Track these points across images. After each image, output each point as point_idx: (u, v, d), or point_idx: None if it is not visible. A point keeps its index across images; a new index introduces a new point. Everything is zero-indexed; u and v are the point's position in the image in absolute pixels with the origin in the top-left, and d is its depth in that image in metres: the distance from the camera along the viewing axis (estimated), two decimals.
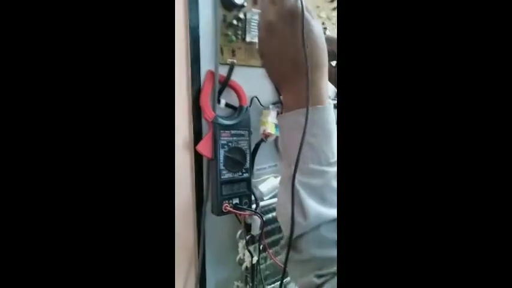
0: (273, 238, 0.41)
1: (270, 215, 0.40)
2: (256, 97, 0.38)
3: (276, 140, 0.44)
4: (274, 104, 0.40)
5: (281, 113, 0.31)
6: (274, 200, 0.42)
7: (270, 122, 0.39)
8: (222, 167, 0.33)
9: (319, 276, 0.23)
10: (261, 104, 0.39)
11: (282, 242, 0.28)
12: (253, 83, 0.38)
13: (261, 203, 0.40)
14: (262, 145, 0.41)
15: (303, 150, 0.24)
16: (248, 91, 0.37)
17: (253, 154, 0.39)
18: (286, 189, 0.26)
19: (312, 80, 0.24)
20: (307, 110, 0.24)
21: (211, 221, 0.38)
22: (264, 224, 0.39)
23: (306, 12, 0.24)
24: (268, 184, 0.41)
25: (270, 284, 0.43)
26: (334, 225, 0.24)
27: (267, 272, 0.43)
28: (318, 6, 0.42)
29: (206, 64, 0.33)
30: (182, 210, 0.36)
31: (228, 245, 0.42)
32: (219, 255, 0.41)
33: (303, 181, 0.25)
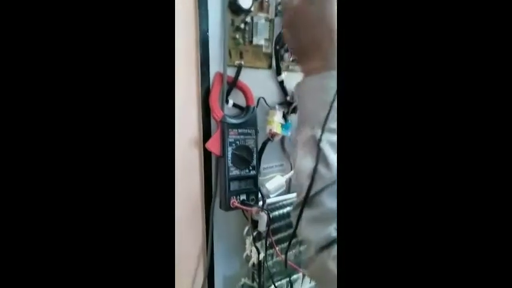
0: (279, 236, 0.42)
1: (276, 213, 0.41)
2: (263, 98, 0.40)
3: (282, 140, 0.45)
4: (280, 104, 0.42)
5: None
6: (281, 198, 0.43)
7: (276, 122, 0.40)
8: (230, 164, 0.34)
9: None
10: (267, 104, 0.40)
11: (297, 200, 0.28)
12: (260, 84, 0.39)
13: (268, 201, 0.41)
14: (269, 145, 0.42)
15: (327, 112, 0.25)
16: (254, 92, 0.39)
17: (260, 152, 0.40)
18: (309, 150, 0.26)
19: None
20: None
21: (220, 217, 0.39)
22: (271, 221, 0.40)
23: None
24: (274, 182, 0.42)
25: (277, 281, 0.44)
26: None
27: (274, 270, 0.44)
28: None
29: (215, 66, 0.35)
30: (192, 206, 0.38)
31: (236, 242, 0.43)
32: (227, 251, 0.42)
33: (327, 139, 0.25)
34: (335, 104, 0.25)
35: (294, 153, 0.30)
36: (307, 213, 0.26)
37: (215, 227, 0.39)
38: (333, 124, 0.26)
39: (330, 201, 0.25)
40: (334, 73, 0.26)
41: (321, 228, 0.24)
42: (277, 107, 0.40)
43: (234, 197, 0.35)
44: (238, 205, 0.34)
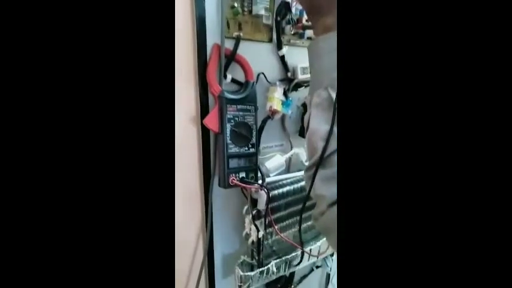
0: (278, 214, 0.42)
1: (275, 192, 0.41)
2: (263, 73, 0.38)
3: (282, 118, 0.44)
4: (281, 80, 0.40)
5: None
6: (280, 177, 0.42)
7: (277, 99, 0.38)
8: (228, 141, 0.33)
9: None
10: (267, 81, 0.39)
11: (310, 161, 0.28)
12: (260, 58, 0.38)
13: (267, 180, 0.40)
14: (269, 124, 0.41)
15: None
16: (254, 67, 0.37)
17: (260, 130, 0.39)
18: (323, 110, 0.26)
19: None
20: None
21: (219, 195, 0.39)
22: (270, 200, 0.39)
23: None
24: (274, 161, 0.41)
25: (276, 259, 0.44)
26: None
27: (273, 248, 0.44)
28: None
29: (212, 38, 0.33)
30: (190, 184, 0.37)
31: (235, 220, 0.43)
32: (226, 229, 0.42)
33: None
34: None
35: (306, 115, 0.29)
36: (322, 172, 0.26)
37: (214, 206, 0.39)
38: None
39: None
40: None
41: (333, 185, 0.24)
42: (277, 83, 0.39)
43: (233, 174, 0.34)
44: (238, 182, 0.34)
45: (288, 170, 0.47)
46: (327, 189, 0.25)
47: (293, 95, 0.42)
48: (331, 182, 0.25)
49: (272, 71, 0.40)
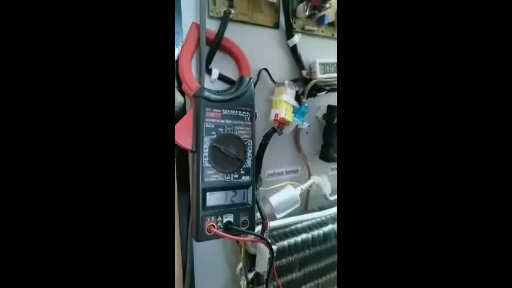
0: (289, 277, 0.28)
1: (285, 242, 0.27)
2: (266, 69, 0.27)
3: (296, 133, 0.32)
4: (293, 81, 0.29)
5: None
6: (293, 219, 0.29)
7: (286, 104, 0.27)
8: (206, 164, 0.21)
9: None
10: (272, 80, 0.28)
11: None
12: (261, 49, 0.28)
13: (272, 224, 0.27)
14: (277, 140, 0.30)
15: None
16: (254, 60, 0.26)
17: (261, 149, 0.27)
18: None
19: None
20: None
21: (203, 246, 0.26)
22: (277, 255, 0.26)
23: None
24: (283, 195, 0.28)
25: None
26: None
27: None
28: None
29: (190, 16, 0.23)
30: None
31: (227, 281, 0.29)
32: None
33: None
34: None
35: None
36: None
37: (197, 260, 0.26)
38: None
39: None
40: None
41: None
42: (286, 82, 0.28)
43: (213, 217, 0.21)
44: (218, 231, 0.21)
45: (305, 208, 0.34)
46: None
47: (310, 101, 0.30)
48: None
49: (279, 67, 0.29)
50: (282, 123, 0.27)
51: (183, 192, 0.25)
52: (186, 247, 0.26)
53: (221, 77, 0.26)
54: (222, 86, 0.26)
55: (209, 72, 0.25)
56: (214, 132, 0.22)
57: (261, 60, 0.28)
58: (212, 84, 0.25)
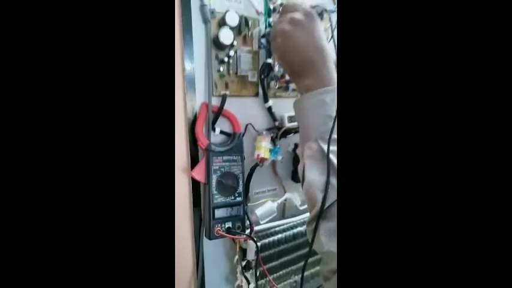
0: (270, 265, 0.41)
1: (267, 240, 0.40)
2: (251, 124, 0.41)
3: (273, 164, 0.45)
4: (268, 129, 0.42)
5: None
6: (272, 224, 0.42)
7: (264, 147, 0.40)
8: (214, 192, 0.34)
9: None
10: (255, 130, 0.41)
11: (311, 214, 0.28)
12: (248, 111, 0.41)
13: (257, 228, 0.40)
14: (261, 170, 0.42)
15: (329, 124, 0.27)
16: (243, 118, 0.40)
17: (248, 178, 0.40)
18: (316, 162, 0.28)
19: (328, 64, 0.29)
20: (336, 90, 0.28)
21: (211, 244, 0.39)
22: (261, 249, 0.39)
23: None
24: (265, 208, 0.41)
25: None
26: None
27: None
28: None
29: (201, 97, 0.37)
30: (181, 233, 0.38)
31: (227, 269, 0.42)
32: (218, 279, 0.41)
33: (332, 149, 0.27)
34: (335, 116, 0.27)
35: (300, 165, 0.31)
36: (325, 226, 0.26)
37: (206, 255, 0.38)
38: (335, 135, 0.27)
39: None
40: (329, 89, 0.28)
41: None
42: (264, 132, 0.41)
43: (219, 224, 0.34)
44: (223, 233, 0.34)
45: (282, 215, 0.46)
46: (335, 245, 0.25)
47: (282, 141, 0.44)
48: None
49: (260, 121, 0.42)
50: (262, 160, 0.41)
51: (195, 207, 0.38)
52: (198, 246, 0.38)
53: (221, 132, 0.39)
54: (222, 137, 0.40)
55: (214, 129, 0.38)
56: (218, 172, 0.35)
57: (247, 118, 0.40)
58: (216, 136, 0.39)
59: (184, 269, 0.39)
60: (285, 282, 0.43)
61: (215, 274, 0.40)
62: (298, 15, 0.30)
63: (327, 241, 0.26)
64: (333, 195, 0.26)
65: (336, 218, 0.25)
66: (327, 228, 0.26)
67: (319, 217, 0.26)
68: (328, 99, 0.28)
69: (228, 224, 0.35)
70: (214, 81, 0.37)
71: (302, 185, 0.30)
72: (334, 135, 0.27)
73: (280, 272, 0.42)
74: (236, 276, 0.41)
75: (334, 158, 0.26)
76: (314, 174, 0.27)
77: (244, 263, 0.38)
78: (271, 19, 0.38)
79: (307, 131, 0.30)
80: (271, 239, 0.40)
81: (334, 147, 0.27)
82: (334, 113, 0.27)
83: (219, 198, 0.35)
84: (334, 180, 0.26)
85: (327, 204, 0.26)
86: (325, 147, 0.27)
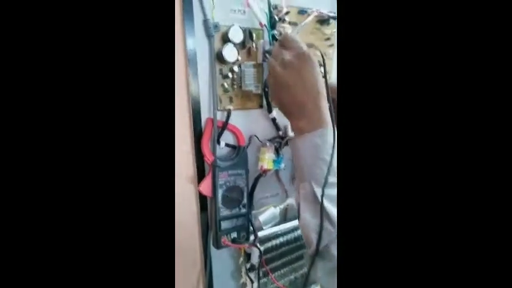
0: (272, 265, 0.44)
1: (269, 244, 0.43)
2: (255, 136, 0.42)
3: (276, 171, 0.47)
4: (270, 140, 0.43)
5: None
6: (274, 229, 0.45)
7: (267, 159, 0.42)
8: (220, 205, 0.36)
9: None
10: (260, 141, 0.42)
11: (310, 251, 0.30)
12: (252, 122, 0.41)
13: (261, 233, 0.43)
14: (264, 177, 0.44)
15: (321, 167, 0.27)
16: (247, 129, 0.41)
17: (252, 188, 0.42)
18: (309, 203, 0.29)
19: (320, 105, 0.29)
20: (335, 130, 0.29)
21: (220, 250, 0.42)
22: (264, 252, 0.42)
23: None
24: (268, 214, 0.44)
25: None
26: None
27: None
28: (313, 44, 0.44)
29: (206, 112, 0.37)
30: (190, 236, 0.40)
31: (233, 268, 0.45)
32: (225, 277, 0.45)
33: (326, 193, 0.28)
34: (330, 159, 0.28)
35: (296, 200, 0.33)
36: (323, 265, 0.28)
37: (214, 256, 0.41)
38: (331, 178, 0.28)
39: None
40: (321, 131, 0.28)
41: None
42: (268, 144, 0.42)
43: (225, 235, 0.37)
44: (229, 243, 0.37)
45: (284, 218, 0.49)
46: (334, 284, 0.26)
47: (285, 149, 0.45)
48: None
49: (264, 131, 0.43)
50: (265, 171, 0.42)
51: (202, 211, 0.40)
52: (205, 251, 0.41)
53: (227, 144, 0.40)
54: (227, 149, 0.41)
55: (219, 143, 0.39)
56: (224, 186, 0.37)
57: (251, 129, 0.41)
58: (221, 149, 0.40)
59: (194, 265, 0.42)
60: (285, 279, 0.47)
61: (222, 271, 0.44)
62: (288, 57, 0.30)
63: (327, 280, 0.28)
64: (326, 238, 0.27)
65: (331, 258, 0.27)
66: (326, 268, 0.28)
67: (315, 256, 0.28)
68: (320, 141, 0.28)
69: (234, 235, 0.38)
70: (219, 96, 0.37)
71: (298, 219, 0.32)
72: (331, 179, 0.28)
73: (282, 271, 0.46)
74: (241, 275, 0.44)
75: (328, 204, 0.27)
76: (308, 215, 0.29)
77: (248, 265, 0.42)
78: (275, 31, 0.37)
79: (301, 171, 0.31)
80: (273, 242, 0.43)
81: (330, 192, 0.28)
82: (325, 155, 0.28)
83: (224, 211, 0.37)
84: (328, 226, 0.27)
85: (322, 245, 0.27)
86: (317, 190, 0.28)
